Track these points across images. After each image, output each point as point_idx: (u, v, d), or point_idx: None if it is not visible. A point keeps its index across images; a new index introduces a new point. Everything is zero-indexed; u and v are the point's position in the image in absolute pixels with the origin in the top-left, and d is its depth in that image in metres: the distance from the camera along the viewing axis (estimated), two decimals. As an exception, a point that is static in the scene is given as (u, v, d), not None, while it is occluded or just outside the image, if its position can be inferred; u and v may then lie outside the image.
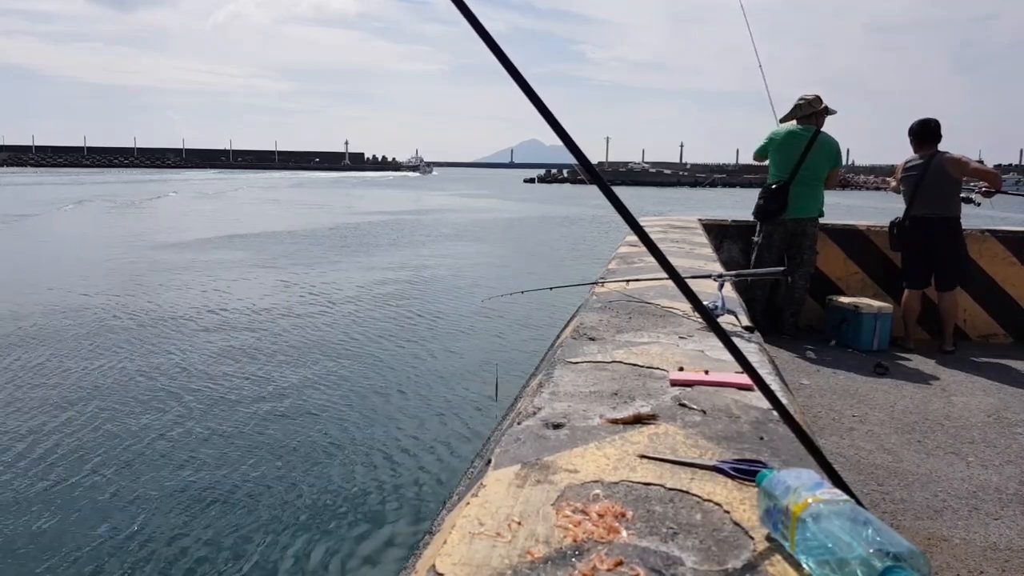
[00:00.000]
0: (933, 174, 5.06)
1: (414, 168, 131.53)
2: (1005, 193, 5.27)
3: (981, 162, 5.90)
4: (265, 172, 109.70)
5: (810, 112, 5.20)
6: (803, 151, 5.10)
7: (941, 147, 5.16)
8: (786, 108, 5.32)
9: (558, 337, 2.80)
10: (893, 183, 5.50)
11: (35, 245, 17.31)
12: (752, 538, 0.92)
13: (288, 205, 33.17)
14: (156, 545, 3.76)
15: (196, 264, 13.75)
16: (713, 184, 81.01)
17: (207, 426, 5.39)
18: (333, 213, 28.87)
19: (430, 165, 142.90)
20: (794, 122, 5.28)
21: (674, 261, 1.09)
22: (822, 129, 5.19)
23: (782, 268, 4.70)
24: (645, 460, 1.18)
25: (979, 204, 5.27)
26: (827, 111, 5.23)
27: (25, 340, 7.76)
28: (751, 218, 5.48)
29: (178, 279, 11.96)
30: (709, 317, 1.10)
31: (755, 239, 5.34)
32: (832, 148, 5.19)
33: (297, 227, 22.05)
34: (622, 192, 1.02)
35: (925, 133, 5.16)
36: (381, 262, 14.83)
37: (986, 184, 5.25)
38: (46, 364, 6.92)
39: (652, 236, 1.06)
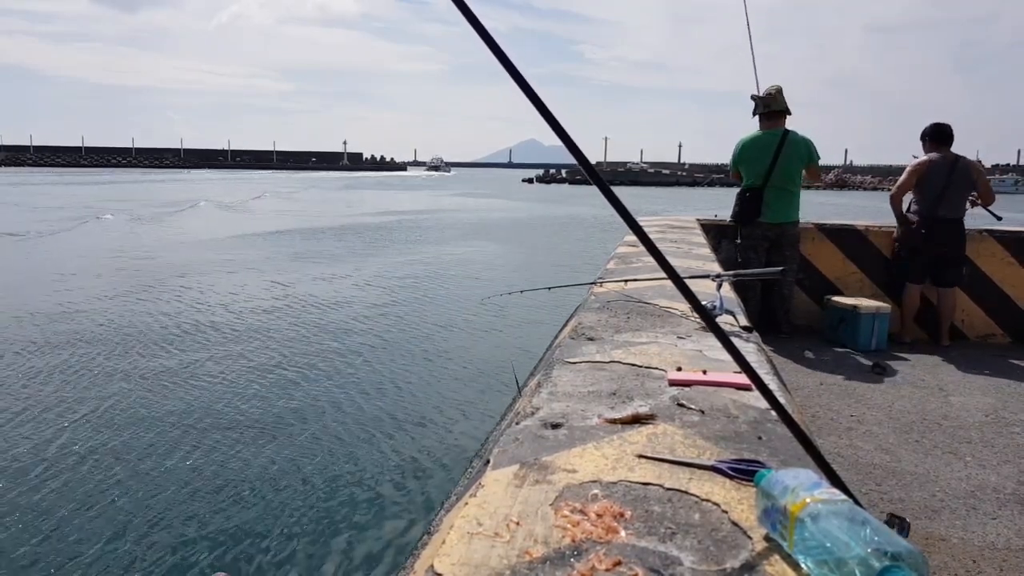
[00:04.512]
0: (960, 175, 5.10)
1: (435, 168, 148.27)
2: (988, 211, 5.37)
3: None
4: (261, 172, 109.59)
5: (776, 109, 5.11)
6: (773, 156, 5.06)
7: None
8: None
9: (556, 337, 2.80)
10: (904, 178, 5.31)
11: None
12: (750, 538, 0.92)
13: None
14: (154, 540, 3.76)
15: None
16: (711, 184, 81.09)
17: (202, 425, 5.38)
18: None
19: (448, 166, 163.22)
20: (757, 128, 5.24)
21: (672, 261, 1.09)
22: (789, 129, 5.14)
23: (780, 268, 4.74)
24: (643, 460, 1.18)
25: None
26: (782, 111, 5.13)
27: None
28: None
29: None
30: (707, 317, 1.10)
31: (737, 242, 5.35)
32: (803, 148, 5.11)
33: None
34: (621, 192, 1.02)
35: (941, 135, 5.21)
36: (397, 260, 15.17)
37: (981, 198, 5.27)
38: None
39: (650, 236, 1.06)
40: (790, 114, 5.17)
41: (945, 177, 5.12)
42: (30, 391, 6.16)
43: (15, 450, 4.89)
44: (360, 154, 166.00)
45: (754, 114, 5.25)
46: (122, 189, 48.17)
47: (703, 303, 1.26)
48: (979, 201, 5.25)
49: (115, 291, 10.93)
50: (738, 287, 5.24)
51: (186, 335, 8.13)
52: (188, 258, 14.88)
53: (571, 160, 1.03)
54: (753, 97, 5.21)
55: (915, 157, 5.40)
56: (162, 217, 25.65)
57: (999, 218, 5.46)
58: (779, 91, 5.15)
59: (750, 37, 5.20)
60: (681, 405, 1.47)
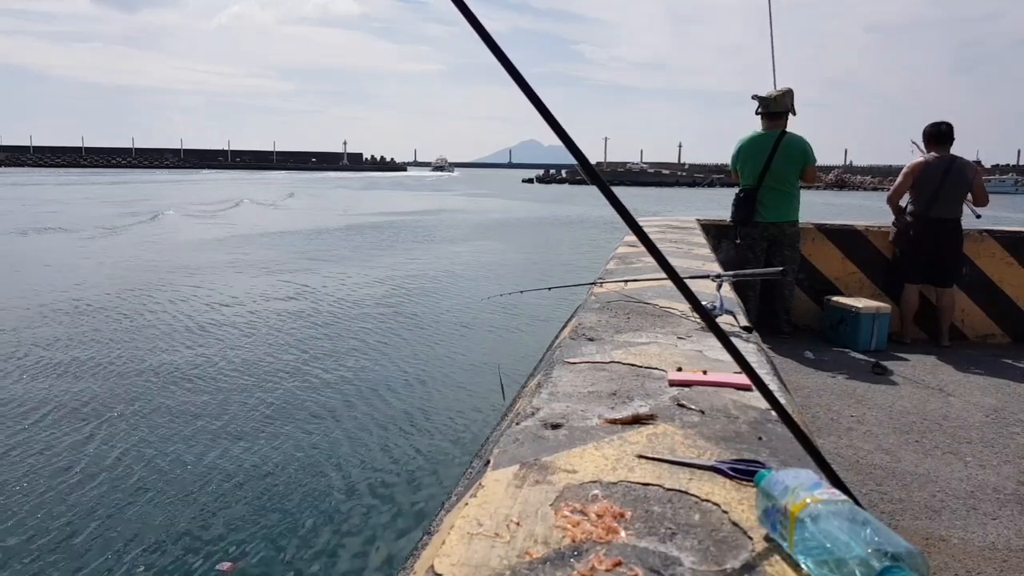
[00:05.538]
0: (955, 176, 5.10)
1: (440, 168, 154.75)
2: (974, 212, 5.40)
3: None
4: (273, 172, 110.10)
5: (776, 111, 5.14)
6: (768, 156, 5.08)
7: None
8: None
9: (557, 337, 2.80)
10: (900, 180, 5.36)
11: None
12: (751, 538, 0.92)
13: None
14: (154, 538, 3.76)
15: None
16: (712, 184, 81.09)
17: (201, 425, 5.38)
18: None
19: (453, 166, 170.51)
20: (759, 127, 5.26)
21: (672, 261, 1.09)
22: (787, 130, 5.16)
23: (780, 268, 4.75)
24: (644, 460, 1.18)
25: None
26: (783, 112, 5.15)
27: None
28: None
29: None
30: (707, 317, 1.10)
31: (736, 242, 5.36)
32: (798, 148, 5.12)
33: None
34: (621, 192, 1.02)
35: (940, 135, 5.20)
36: (405, 259, 15.38)
37: (974, 198, 5.27)
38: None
39: (650, 236, 1.06)
40: (795, 115, 5.17)
41: (941, 177, 5.12)
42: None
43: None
44: (360, 154, 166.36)
45: (756, 113, 5.27)
46: (143, 189, 48.71)
47: (703, 303, 1.26)
48: (970, 200, 5.26)
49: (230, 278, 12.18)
50: (738, 287, 5.26)
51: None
52: (260, 253, 15.97)
53: (571, 160, 1.03)
54: (755, 97, 5.22)
55: (913, 143, 5.42)
56: (215, 214, 27.40)
57: (978, 216, 5.44)
58: (783, 93, 5.15)
59: (772, 39, 5.21)
60: (681, 405, 1.47)
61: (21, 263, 13.89)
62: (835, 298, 5.42)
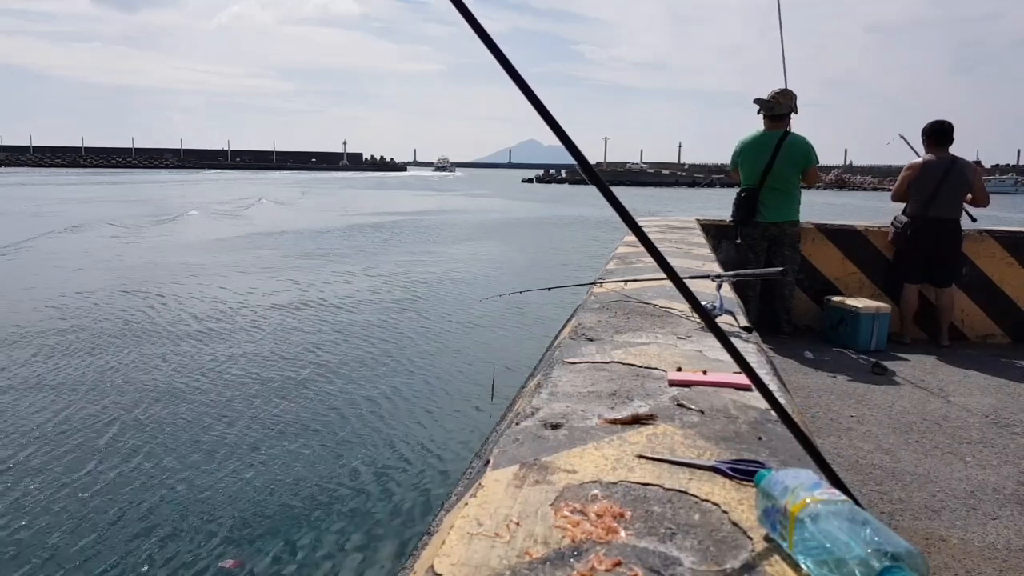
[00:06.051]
0: (955, 177, 5.10)
1: (443, 168, 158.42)
2: (970, 216, 5.38)
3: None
4: (278, 172, 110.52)
5: (779, 113, 5.14)
6: (770, 157, 5.08)
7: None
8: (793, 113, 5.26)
9: (556, 337, 2.80)
10: (897, 183, 5.41)
11: None
12: (750, 538, 0.92)
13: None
14: (158, 535, 3.76)
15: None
16: (711, 184, 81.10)
17: (200, 427, 5.38)
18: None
19: (454, 166, 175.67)
20: (761, 127, 5.26)
21: (672, 261, 1.09)
22: (791, 131, 5.17)
23: (780, 268, 4.76)
24: (643, 460, 1.18)
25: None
26: (787, 110, 5.16)
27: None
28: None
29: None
30: (707, 317, 1.10)
31: (737, 242, 5.37)
32: (801, 150, 5.13)
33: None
34: (620, 192, 1.02)
35: (941, 134, 5.19)
36: (406, 259, 15.41)
37: (974, 199, 5.27)
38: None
39: (650, 236, 1.06)
40: (796, 113, 5.18)
41: (941, 177, 5.12)
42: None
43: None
44: (360, 154, 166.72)
45: (758, 112, 5.28)
46: (148, 189, 48.94)
47: (703, 303, 1.26)
48: (969, 202, 5.26)
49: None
50: (738, 287, 5.26)
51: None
52: (281, 252, 16.40)
53: (571, 160, 1.03)
54: (756, 100, 5.23)
55: (901, 136, 5.45)
56: (237, 213, 28.42)
57: (974, 219, 5.44)
58: (784, 95, 5.15)
59: (782, 40, 5.20)
60: (681, 405, 1.47)
61: (55, 264, 13.87)
62: (835, 298, 5.42)
